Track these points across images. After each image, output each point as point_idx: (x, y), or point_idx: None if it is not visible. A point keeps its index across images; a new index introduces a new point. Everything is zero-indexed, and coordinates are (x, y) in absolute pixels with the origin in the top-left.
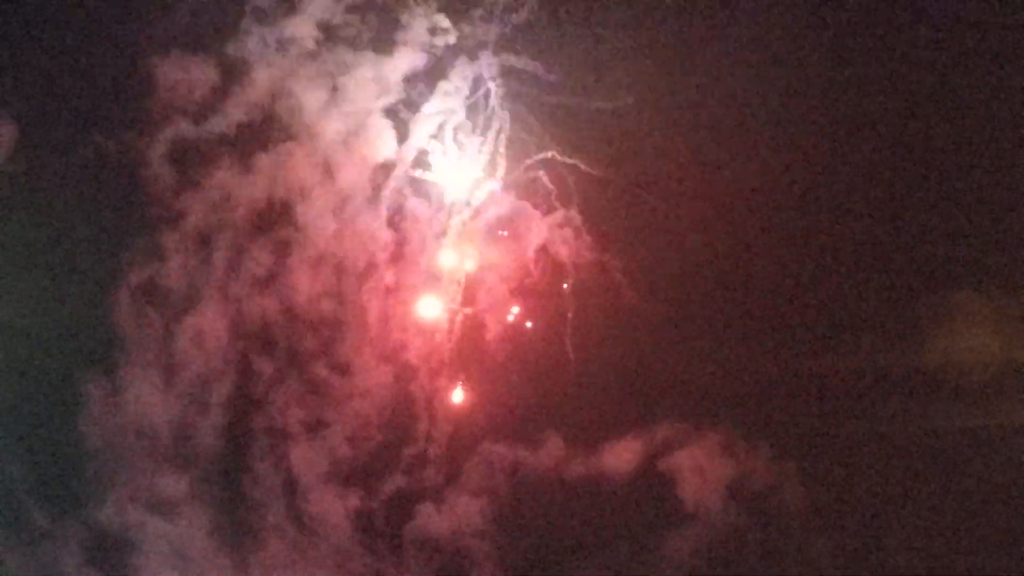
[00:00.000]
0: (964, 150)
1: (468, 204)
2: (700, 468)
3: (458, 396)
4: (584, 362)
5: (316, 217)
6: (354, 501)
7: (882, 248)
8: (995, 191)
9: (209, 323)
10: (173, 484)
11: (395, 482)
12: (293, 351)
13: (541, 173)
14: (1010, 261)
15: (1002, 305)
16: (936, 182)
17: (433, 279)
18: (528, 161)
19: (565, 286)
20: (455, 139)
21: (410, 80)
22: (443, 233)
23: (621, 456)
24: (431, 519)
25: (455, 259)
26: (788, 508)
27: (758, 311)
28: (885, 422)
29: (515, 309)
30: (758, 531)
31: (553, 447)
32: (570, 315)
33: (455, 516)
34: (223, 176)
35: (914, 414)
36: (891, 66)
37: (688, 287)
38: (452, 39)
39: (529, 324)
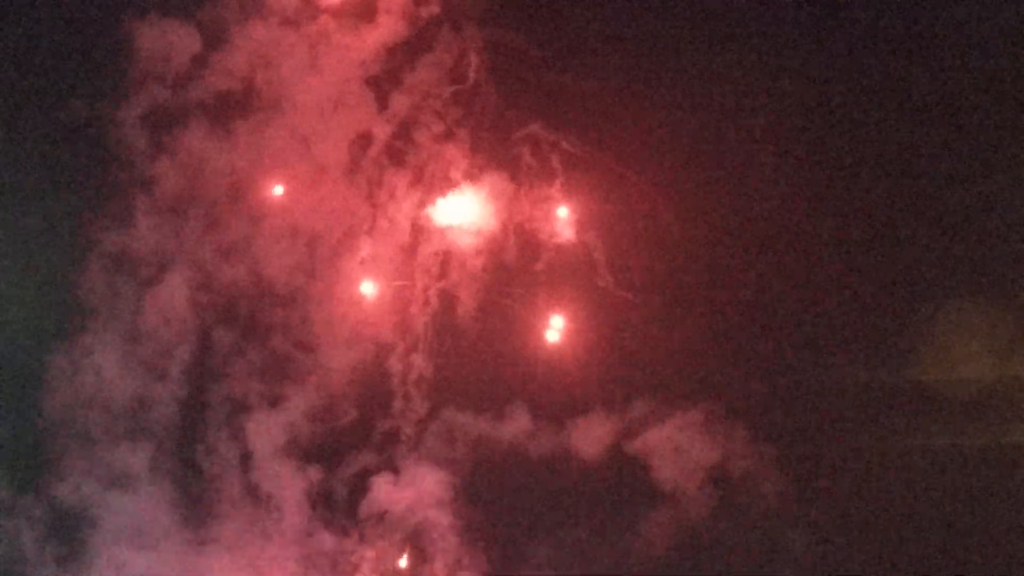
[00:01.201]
0: (962, 156)
1: (447, 178)
2: (674, 448)
3: (429, 372)
4: (559, 341)
5: (292, 188)
6: (319, 476)
7: (875, 245)
8: (993, 200)
9: (177, 293)
10: (134, 457)
11: (361, 458)
12: (263, 323)
13: (524, 149)
14: (1008, 272)
15: (997, 315)
16: (933, 183)
17: (409, 253)
18: (510, 136)
19: (542, 263)
20: (436, 112)
21: (392, 51)
22: (421, 206)
23: (592, 434)
24: (395, 494)
25: (432, 233)
26: (765, 494)
27: (741, 301)
28: (873, 419)
29: (490, 285)
30: (733, 516)
31: (523, 423)
32: (546, 293)
33: (419, 491)
34: (198, 144)
35: (899, 400)
36: (894, 62)
37: (669, 272)
38: (436, 9)
39: (504, 301)
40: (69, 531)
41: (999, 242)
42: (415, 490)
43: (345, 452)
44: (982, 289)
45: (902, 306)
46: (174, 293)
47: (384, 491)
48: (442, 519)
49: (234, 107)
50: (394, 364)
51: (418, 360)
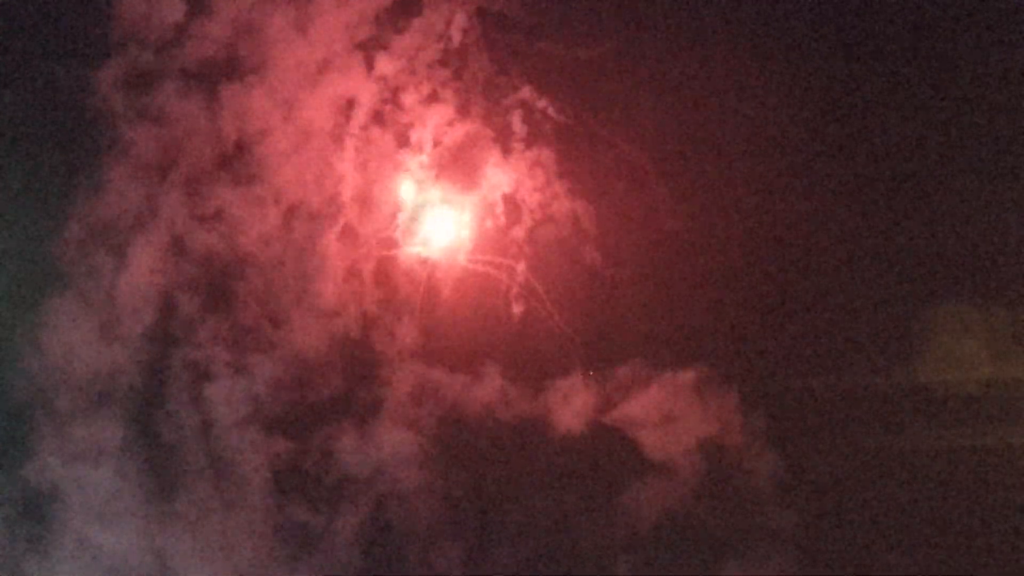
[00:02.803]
0: (962, 157)
1: (437, 144)
2: (659, 416)
3: (411, 340)
4: (544, 307)
5: (277, 153)
6: (288, 446)
7: (871, 238)
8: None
9: (152, 261)
10: (104, 431)
11: (338, 425)
12: (236, 292)
13: (514, 117)
14: (1008, 274)
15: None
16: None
17: (393, 219)
18: (501, 103)
19: (529, 232)
20: (427, 79)
21: (381, 15)
22: (407, 172)
23: (575, 399)
24: (365, 464)
25: (418, 200)
26: (755, 470)
27: (730, 278)
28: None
29: (475, 253)
30: (720, 488)
31: (501, 390)
32: (532, 262)
33: (390, 459)
34: (180, 109)
35: (890, 377)
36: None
37: (658, 245)
38: None
39: (489, 271)
40: (33, 506)
41: (999, 242)
42: (391, 456)
43: (321, 421)
44: (982, 289)
45: (891, 281)
46: (150, 260)
47: (356, 458)
48: (417, 485)
49: (217, 71)
50: (375, 333)
51: (400, 329)
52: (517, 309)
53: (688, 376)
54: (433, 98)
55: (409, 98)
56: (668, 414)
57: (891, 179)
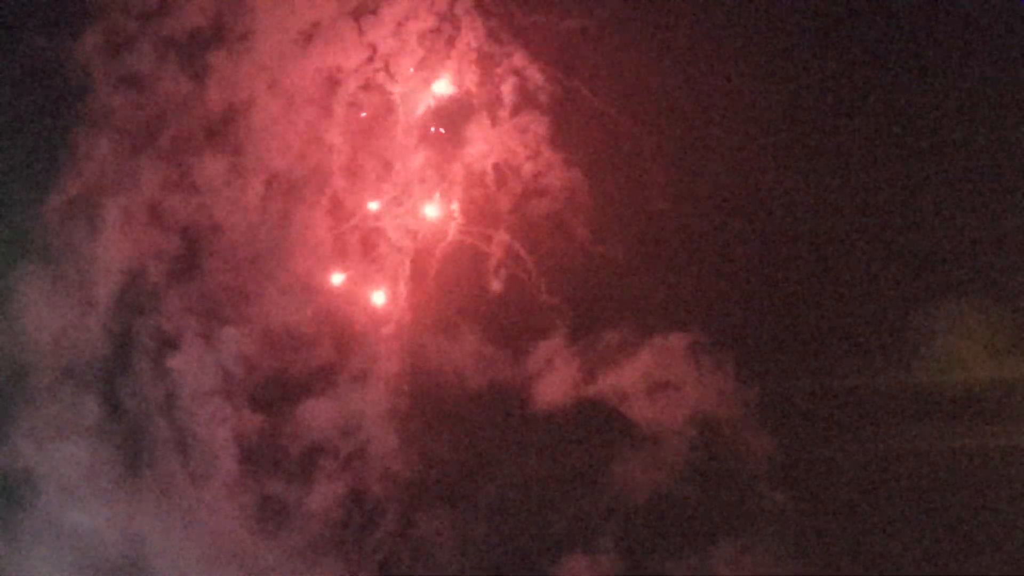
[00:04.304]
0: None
1: (428, 110)
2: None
3: (400, 305)
4: (531, 277)
5: (264, 122)
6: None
7: (860, 214)
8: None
9: (140, 234)
10: (78, 408)
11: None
12: (222, 262)
13: (506, 86)
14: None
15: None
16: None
17: (381, 186)
18: (493, 72)
19: (516, 201)
20: (419, 46)
21: None
22: (397, 140)
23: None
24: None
25: (406, 168)
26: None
27: (721, 252)
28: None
29: (463, 222)
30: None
31: (484, 357)
32: (520, 231)
33: (374, 426)
34: (167, 79)
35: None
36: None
37: (650, 218)
38: None
39: (477, 240)
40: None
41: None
42: (374, 422)
43: (308, 389)
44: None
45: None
46: (133, 228)
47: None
48: (399, 452)
49: (203, 38)
50: (362, 301)
51: (389, 294)
52: (503, 278)
53: (677, 342)
54: (424, 64)
55: (399, 65)
56: (656, 381)
57: (874, 157)
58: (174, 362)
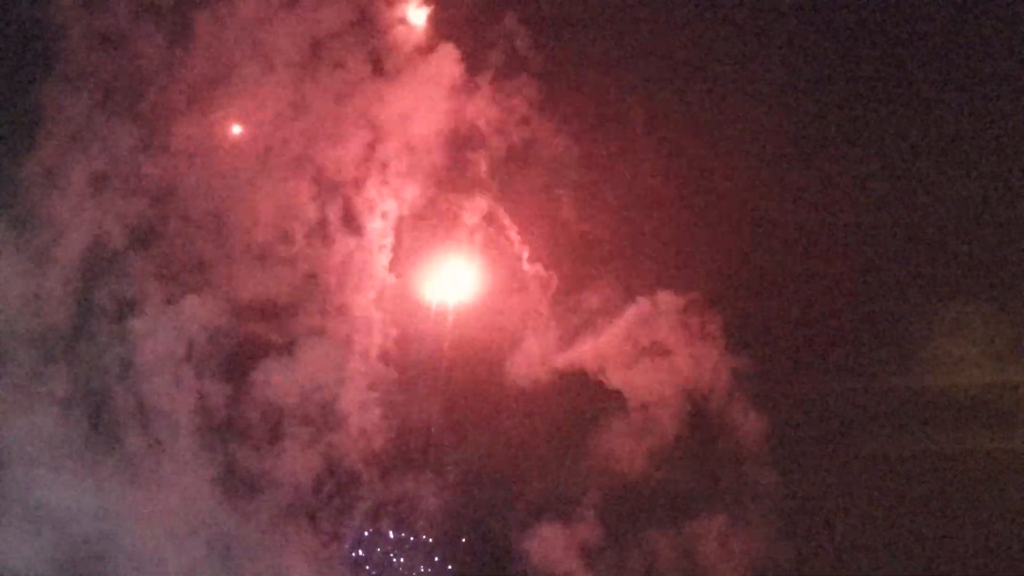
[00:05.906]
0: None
1: (410, 77)
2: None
3: (372, 267)
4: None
5: (243, 84)
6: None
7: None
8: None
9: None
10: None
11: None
12: (210, 243)
13: (495, 50)
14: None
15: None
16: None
17: (364, 152)
18: (483, 36)
19: (499, 165)
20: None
21: None
22: (379, 104)
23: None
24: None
25: (390, 132)
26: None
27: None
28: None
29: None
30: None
31: (467, 324)
32: (504, 196)
33: (355, 394)
34: (158, 48)
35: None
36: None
37: (639, 192)
38: None
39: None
40: None
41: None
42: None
43: (290, 354)
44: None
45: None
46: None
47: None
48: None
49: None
50: (347, 265)
51: (362, 256)
52: (485, 242)
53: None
54: (408, 27)
55: (382, 26)
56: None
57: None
58: (139, 326)
